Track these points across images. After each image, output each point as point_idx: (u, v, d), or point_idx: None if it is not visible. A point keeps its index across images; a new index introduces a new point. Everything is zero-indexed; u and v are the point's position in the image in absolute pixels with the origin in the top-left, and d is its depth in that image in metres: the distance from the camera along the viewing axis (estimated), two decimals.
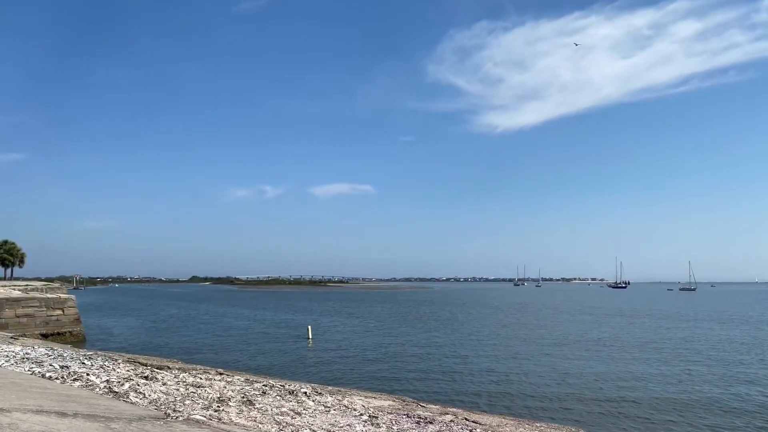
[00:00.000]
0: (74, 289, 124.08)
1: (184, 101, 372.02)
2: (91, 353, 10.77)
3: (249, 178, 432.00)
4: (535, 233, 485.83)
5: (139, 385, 6.58)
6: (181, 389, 6.56)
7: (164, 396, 5.98)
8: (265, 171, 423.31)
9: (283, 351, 27.35)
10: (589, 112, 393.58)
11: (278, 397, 6.39)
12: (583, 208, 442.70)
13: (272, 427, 4.76)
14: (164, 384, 6.88)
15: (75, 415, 3.31)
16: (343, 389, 7.80)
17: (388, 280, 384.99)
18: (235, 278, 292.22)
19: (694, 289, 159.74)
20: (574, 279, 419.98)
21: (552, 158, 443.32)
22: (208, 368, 9.18)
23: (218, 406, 5.56)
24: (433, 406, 6.78)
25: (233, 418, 5.03)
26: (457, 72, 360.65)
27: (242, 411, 5.44)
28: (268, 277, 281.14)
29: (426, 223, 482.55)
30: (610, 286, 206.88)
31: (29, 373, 7.20)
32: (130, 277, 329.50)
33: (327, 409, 5.94)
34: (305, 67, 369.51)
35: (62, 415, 3.25)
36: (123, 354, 11.85)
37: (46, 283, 58.65)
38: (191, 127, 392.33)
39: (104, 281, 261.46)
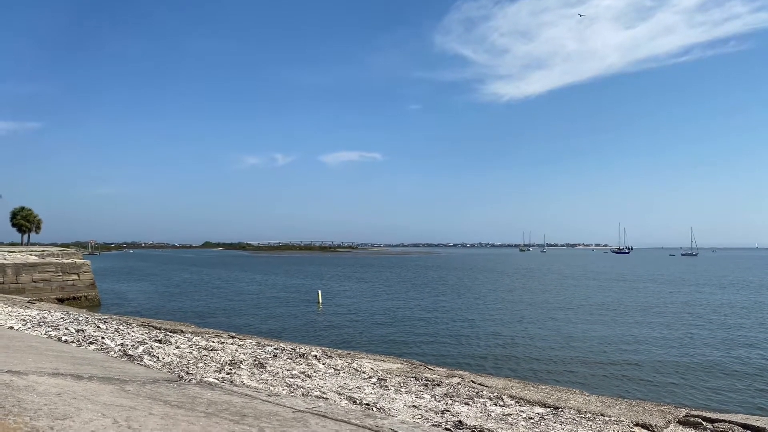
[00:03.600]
0: (89, 254, 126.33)
1: (197, 72, 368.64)
2: (105, 317, 11.03)
3: (260, 146, 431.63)
4: (541, 200, 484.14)
5: (152, 349, 6.75)
6: (194, 352, 6.72)
7: (177, 359, 6.13)
8: (276, 139, 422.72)
9: (293, 315, 27.91)
10: (593, 82, 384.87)
11: (289, 360, 6.53)
12: (587, 175, 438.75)
13: (283, 390, 4.88)
14: (177, 347, 7.04)
15: (90, 377, 3.40)
16: (352, 352, 7.95)
17: (396, 246, 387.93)
18: (247, 244, 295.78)
19: (695, 255, 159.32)
20: (579, 244, 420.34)
21: (557, 126, 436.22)
22: (221, 332, 9.38)
23: (230, 369, 5.70)
24: (441, 369, 6.90)
25: (245, 381, 5.16)
26: (464, 42, 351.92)
27: (254, 374, 5.58)
28: (279, 242, 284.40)
29: (433, 190, 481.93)
30: (613, 251, 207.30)
31: (45, 336, 7.40)
32: (144, 243, 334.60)
33: (337, 371, 6.06)
34: (315, 39, 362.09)
35: (78, 377, 3.33)
36: (137, 318, 12.13)
37: (62, 248, 59.68)
38: (204, 97, 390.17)
39: (119, 247, 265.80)
